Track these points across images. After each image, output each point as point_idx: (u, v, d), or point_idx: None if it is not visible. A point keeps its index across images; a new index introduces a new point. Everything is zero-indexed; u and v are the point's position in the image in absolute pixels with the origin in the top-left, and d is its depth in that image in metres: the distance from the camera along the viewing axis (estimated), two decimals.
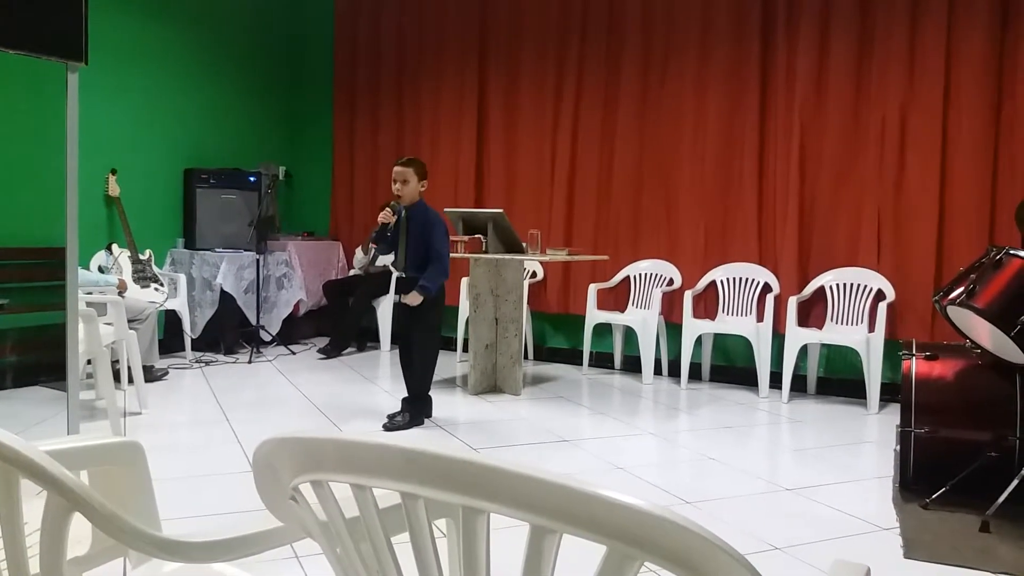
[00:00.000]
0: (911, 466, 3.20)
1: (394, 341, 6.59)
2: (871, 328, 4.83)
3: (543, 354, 6.31)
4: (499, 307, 5.07)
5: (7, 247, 4.94)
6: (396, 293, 4.55)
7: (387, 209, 4.21)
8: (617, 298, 5.87)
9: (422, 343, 4.31)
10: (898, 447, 3.29)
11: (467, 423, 4.36)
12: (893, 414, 4.35)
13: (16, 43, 2.85)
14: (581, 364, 5.79)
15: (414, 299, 4.13)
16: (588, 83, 5.97)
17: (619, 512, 0.62)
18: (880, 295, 4.92)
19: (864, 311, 4.98)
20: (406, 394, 4.33)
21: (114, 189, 5.66)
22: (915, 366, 3.29)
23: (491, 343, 5.08)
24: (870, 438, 4.21)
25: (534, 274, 6.18)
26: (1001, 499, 2.82)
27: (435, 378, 4.45)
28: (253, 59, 6.97)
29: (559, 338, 6.28)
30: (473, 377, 5.00)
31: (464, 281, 5.89)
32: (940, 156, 4.77)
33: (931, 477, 3.11)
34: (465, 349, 5.72)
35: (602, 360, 5.97)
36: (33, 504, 1.04)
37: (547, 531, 0.66)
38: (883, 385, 4.75)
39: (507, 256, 4.87)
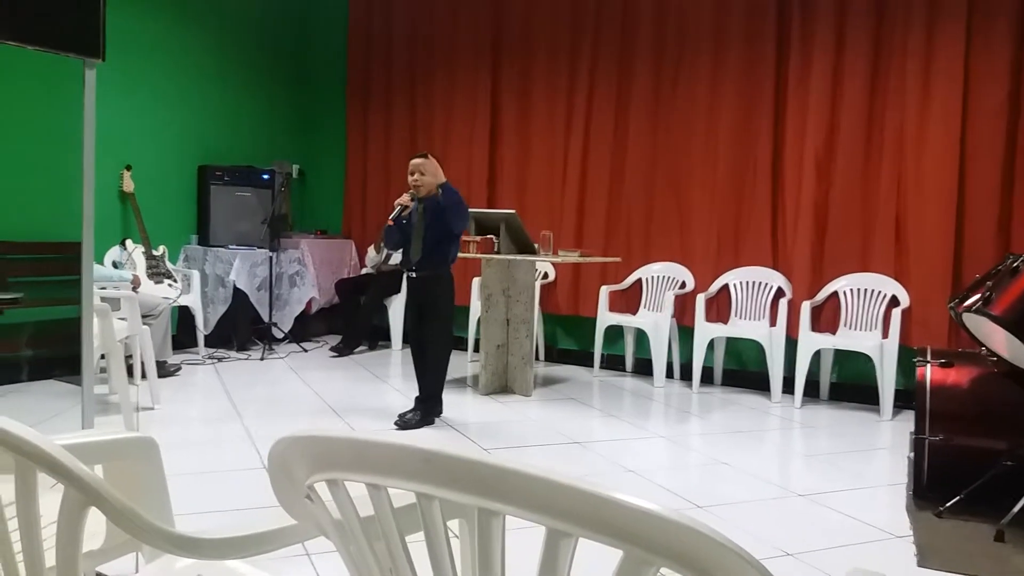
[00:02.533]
0: (925, 474, 3.18)
1: (406, 340, 6.60)
2: (885, 334, 4.80)
3: (554, 355, 6.30)
4: (511, 308, 5.07)
5: (23, 242, 4.97)
6: (409, 294, 4.54)
7: (406, 195, 4.18)
8: (629, 300, 5.86)
9: (435, 343, 4.30)
10: (912, 454, 3.27)
11: (478, 423, 4.36)
12: (907, 421, 4.33)
13: (34, 39, 2.87)
14: (592, 366, 5.78)
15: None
16: (600, 84, 5.97)
17: (636, 516, 0.61)
18: (894, 301, 4.89)
19: (878, 317, 4.95)
20: (418, 393, 4.32)
21: (129, 185, 5.69)
22: (930, 373, 3.26)
23: (502, 344, 5.08)
24: (883, 445, 4.19)
25: (545, 275, 6.18)
26: (1016, 508, 2.79)
27: (447, 378, 4.44)
28: (267, 57, 7.00)
29: (570, 340, 6.28)
30: (484, 377, 5.00)
31: (476, 281, 5.89)
32: (957, 162, 4.73)
33: (945, 485, 3.08)
34: (476, 349, 5.72)
35: (613, 362, 5.95)
36: (49, 498, 1.04)
37: (563, 534, 0.65)
38: (897, 392, 4.72)
39: (519, 257, 4.87)
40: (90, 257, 3.04)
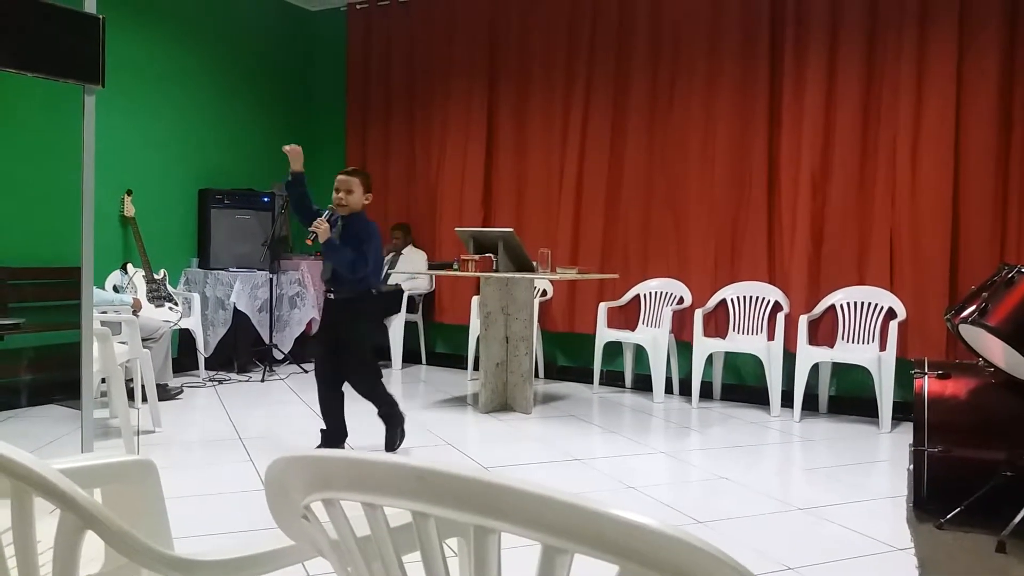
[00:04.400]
0: (925, 486, 3.17)
1: (406, 359, 6.60)
2: (882, 347, 4.81)
3: (554, 372, 6.30)
4: (510, 325, 5.07)
5: (23, 267, 4.99)
6: (325, 315, 4.05)
7: (319, 218, 3.78)
8: (627, 316, 5.87)
9: (356, 375, 3.94)
10: (911, 466, 3.26)
11: (477, 441, 4.35)
12: (906, 433, 4.32)
13: (35, 66, 2.90)
14: (592, 382, 5.77)
15: (323, 230, 3.70)
16: (596, 103, 6.00)
17: (631, 531, 0.62)
18: (891, 313, 4.90)
19: (875, 330, 4.96)
20: (323, 426, 4.01)
21: (129, 209, 5.71)
22: (927, 385, 3.27)
23: (502, 361, 5.08)
24: (883, 457, 4.18)
25: (544, 293, 6.19)
26: (1017, 519, 2.79)
27: (445, 396, 4.42)
28: (267, 81, 7.05)
29: (569, 356, 6.28)
30: (484, 395, 5.00)
31: (475, 300, 5.90)
32: (951, 173, 4.77)
33: (945, 497, 3.08)
34: (476, 367, 5.72)
35: (612, 378, 5.95)
36: (46, 522, 1.04)
37: (559, 551, 0.66)
38: (895, 404, 4.72)
39: (517, 275, 4.88)
40: (90, 281, 3.05)
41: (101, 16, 3.01)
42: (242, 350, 6.20)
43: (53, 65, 2.94)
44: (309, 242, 3.79)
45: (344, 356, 3.90)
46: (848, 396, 5.15)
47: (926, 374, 3.30)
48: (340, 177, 3.91)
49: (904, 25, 4.90)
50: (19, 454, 0.96)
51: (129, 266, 5.56)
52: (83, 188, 3.00)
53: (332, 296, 3.91)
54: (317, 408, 4.99)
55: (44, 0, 2.85)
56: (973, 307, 3.00)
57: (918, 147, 4.87)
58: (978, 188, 4.73)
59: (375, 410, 4.00)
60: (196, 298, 5.92)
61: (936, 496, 3.14)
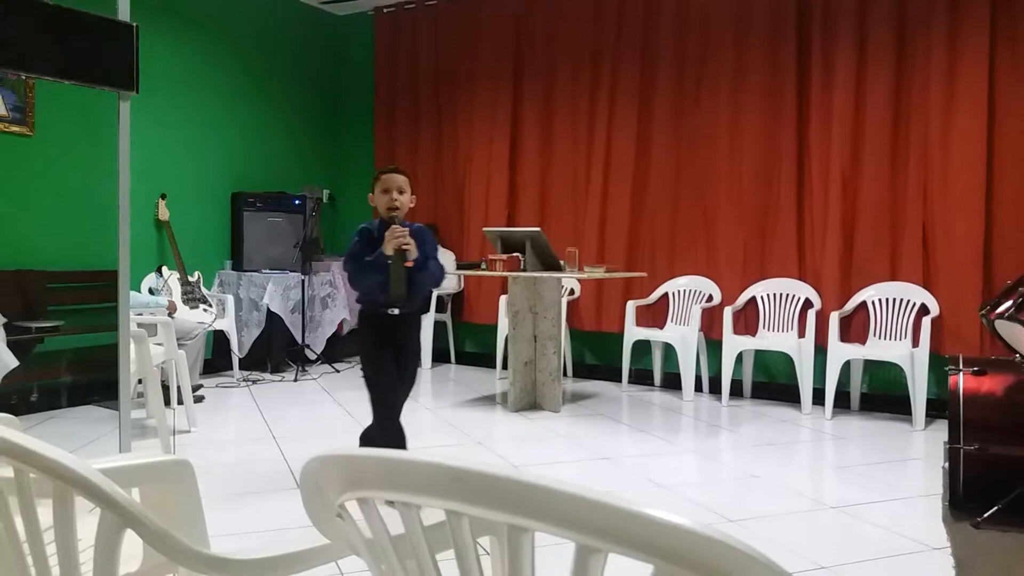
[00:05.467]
0: (961, 484, 3.12)
1: (436, 359, 6.62)
2: (915, 343, 4.74)
3: (582, 371, 6.29)
4: (538, 325, 5.08)
5: (62, 270, 5.08)
6: (384, 334, 3.40)
7: (397, 226, 3.30)
8: (655, 315, 5.84)
9: (408, 386, 3.49)
10: (946, 464, 3.21)
11: (507, 440, 4.36)
12: (940, 431, 4.26)
13: (71, 74, 2.95)
14: (620, 381, 5.75)
15: (414, 244, 3.26)
16: (622, 101, 5.97)
17: (665, 531, 0.62)
18: (924, 310, 4.83)
19: (908, 326, 4.89)
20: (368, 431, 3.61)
21: (164, 213, 5.79)
22: (962, 381, 3.21)
23: (530, 360, 5.08)
24: (917, 455, 4.13)
25: (572, 291, 6.18)
26: None
27: (474, 395, 4.42)
28: (296, 85, 7.11)
29: (598, 355, 6.26)
30: (513, 394, 5.01)
31: (503, 299, 5.91)
32: (984, 167, 4.69)
33: (982, 495, 3.03)
34: (504, 366, 5.73)
35: (641, 377, 5.93)
36: (87, 521, 1.06)
37: (592, 550, 0.66)
38: (929, 401, 4.65)
39: (545, 274, 4.88)
40: (126, 284, 3.10)
41: (134, 24, 3.06)
42: (275, 351, 6.26)
43: (88, 72, 2.99)
44: (410, 264, 3.26)
45: (408, 370, 3.48)
46: (880, 393, 5.08)
47: (961, 370, 3.25)
48: (388, 176, 3.36)
49: (934, 16, 4.82)
50: (61, 454, 0.98)
51: (164, 269, 5.64)
52: (119, 192, 3.05)
53: (398, 312, 3.31)
54: (350, 408, 5.06)
55: (78, 9, 2.91)
56: (1010, 302, 2.95)
57: (950, 140, 4.79)
58: (1012, 182, 4.64)
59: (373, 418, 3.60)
60: (230, 300, 5.99)
61: (973, 494, 3.09)
